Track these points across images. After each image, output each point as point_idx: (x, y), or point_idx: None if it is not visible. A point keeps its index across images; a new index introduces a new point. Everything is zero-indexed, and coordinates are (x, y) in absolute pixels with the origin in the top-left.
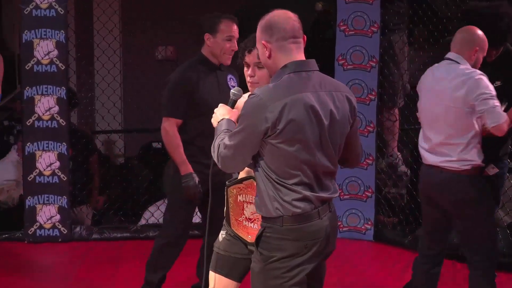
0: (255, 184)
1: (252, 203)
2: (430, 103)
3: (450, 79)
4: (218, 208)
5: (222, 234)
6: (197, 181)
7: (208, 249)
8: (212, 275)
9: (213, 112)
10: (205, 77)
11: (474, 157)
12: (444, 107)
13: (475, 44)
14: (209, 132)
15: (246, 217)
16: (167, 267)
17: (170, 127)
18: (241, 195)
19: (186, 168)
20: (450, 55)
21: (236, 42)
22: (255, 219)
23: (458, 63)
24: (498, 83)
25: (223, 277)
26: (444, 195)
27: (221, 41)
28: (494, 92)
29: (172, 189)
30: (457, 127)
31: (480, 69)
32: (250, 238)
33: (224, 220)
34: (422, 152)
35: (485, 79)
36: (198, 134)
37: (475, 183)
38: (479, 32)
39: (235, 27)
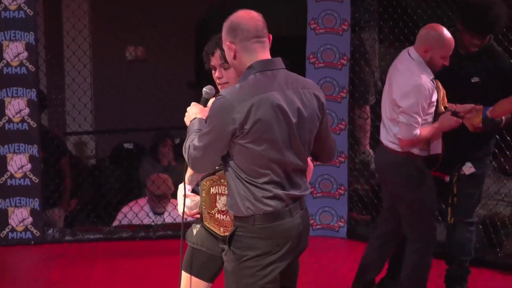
0: None
1: (224, 194)
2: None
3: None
4: None
5: (196, 227)
6: None
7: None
8: (183, 274)
9: None
10: None
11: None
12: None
13: (426, 43)
14: None
15: (218, 209)
16: None
17: None
18: (214, 187)
19: None
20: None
21: None
22: (227, 212)
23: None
24: (476, 79)
25: (193, 278)
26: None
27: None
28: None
29: None
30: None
31: (458, 62)
32: (222, 231)
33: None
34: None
35: None
36: None
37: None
38: (437, 32)
39: None
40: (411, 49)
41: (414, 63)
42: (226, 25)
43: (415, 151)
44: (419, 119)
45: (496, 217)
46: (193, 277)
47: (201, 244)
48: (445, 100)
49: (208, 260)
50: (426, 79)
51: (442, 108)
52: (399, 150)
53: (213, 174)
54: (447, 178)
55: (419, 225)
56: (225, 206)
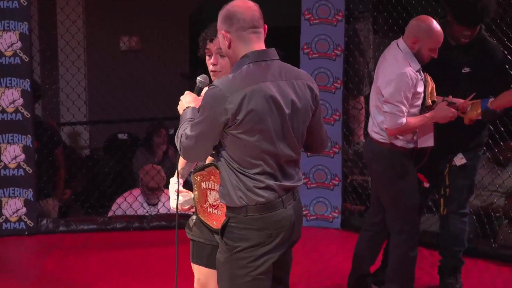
0: (217, 171)
1: (214, 189)
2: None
3: None
4: None
5: (193, 219)
6: None
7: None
8: (193, 266)
9: None
10: None
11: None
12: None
13: (415, 34)
14: None
15: (210, 203)
16: None
17: None
18: (204, 182)
19: None
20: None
21: None
22: (218, 206)
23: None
24: (467, 69)
25: (202, 267)
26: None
27: None
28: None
29: None
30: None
31: (449, 53)
32: (215, 224)
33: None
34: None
35: None
36: None
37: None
38: (426, 24)
39: None
40: (400, 40)
41: (401, 53)
42: (222, 14)
43: (399, 143)
44: (403, 108)
45: (490, 208)
46: (202, 267)
47: (199, 236)
48: (434, 94)
49: (210, 250)
50: (410, 69)
51: (430, 101)
52: (383, 141)
53: (203, 169)
54: (427, 185)
55: (401, 218)
56: (216, 200)
